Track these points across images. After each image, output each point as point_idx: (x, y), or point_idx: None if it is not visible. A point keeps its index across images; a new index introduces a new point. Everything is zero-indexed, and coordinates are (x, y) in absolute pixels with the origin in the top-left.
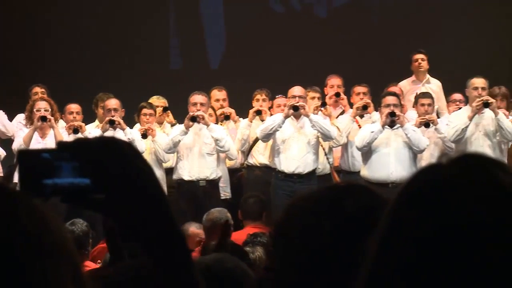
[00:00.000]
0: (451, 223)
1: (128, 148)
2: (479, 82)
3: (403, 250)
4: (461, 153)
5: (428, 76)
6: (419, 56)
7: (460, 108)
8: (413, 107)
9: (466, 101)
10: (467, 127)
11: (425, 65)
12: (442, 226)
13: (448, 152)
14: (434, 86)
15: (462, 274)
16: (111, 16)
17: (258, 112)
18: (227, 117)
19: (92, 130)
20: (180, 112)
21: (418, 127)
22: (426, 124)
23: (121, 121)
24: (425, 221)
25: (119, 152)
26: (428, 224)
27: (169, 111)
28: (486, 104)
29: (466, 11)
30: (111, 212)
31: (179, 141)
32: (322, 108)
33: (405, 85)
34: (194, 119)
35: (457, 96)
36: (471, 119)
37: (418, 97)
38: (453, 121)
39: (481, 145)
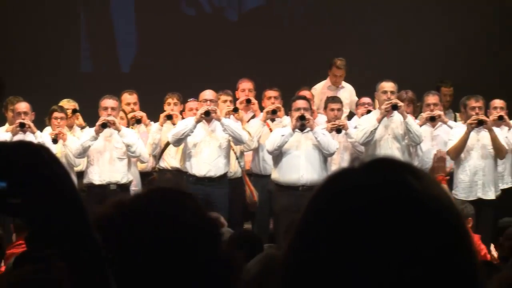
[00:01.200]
0: (362, 227)
1: (45, 152)
2: (388, 86)
3: (318, 256)
4: (373, 157)
5: (343, 82)
6: (341, 63)
7: (369, 111)
8: (323, 111)
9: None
10: (375, 129)
11: (342, 73)
12: (355, 230)
13: (359, 156)
14: (347, 91)
15: (382, 277)
16: (21, 18)
17: (169, 116)
18: (138, 121)
19: (2, 134)
20: (90, 115)
21: (330, 133)
22: (338, 130)
23: (31, 125)
24: (338, 227)
25: (36, 156)
26: (341, 229)
27: (78, 113)
28: (395, 107)
29: (376, 15)
30: (27, 216)
31: (89, 146)
32: (234, 112)
33: (321, 89)
34: (104, 125)
35: (366, 99)
36: (379, 121)
37: (327, 101)
38: (363, 124)
39: (390, 148)
